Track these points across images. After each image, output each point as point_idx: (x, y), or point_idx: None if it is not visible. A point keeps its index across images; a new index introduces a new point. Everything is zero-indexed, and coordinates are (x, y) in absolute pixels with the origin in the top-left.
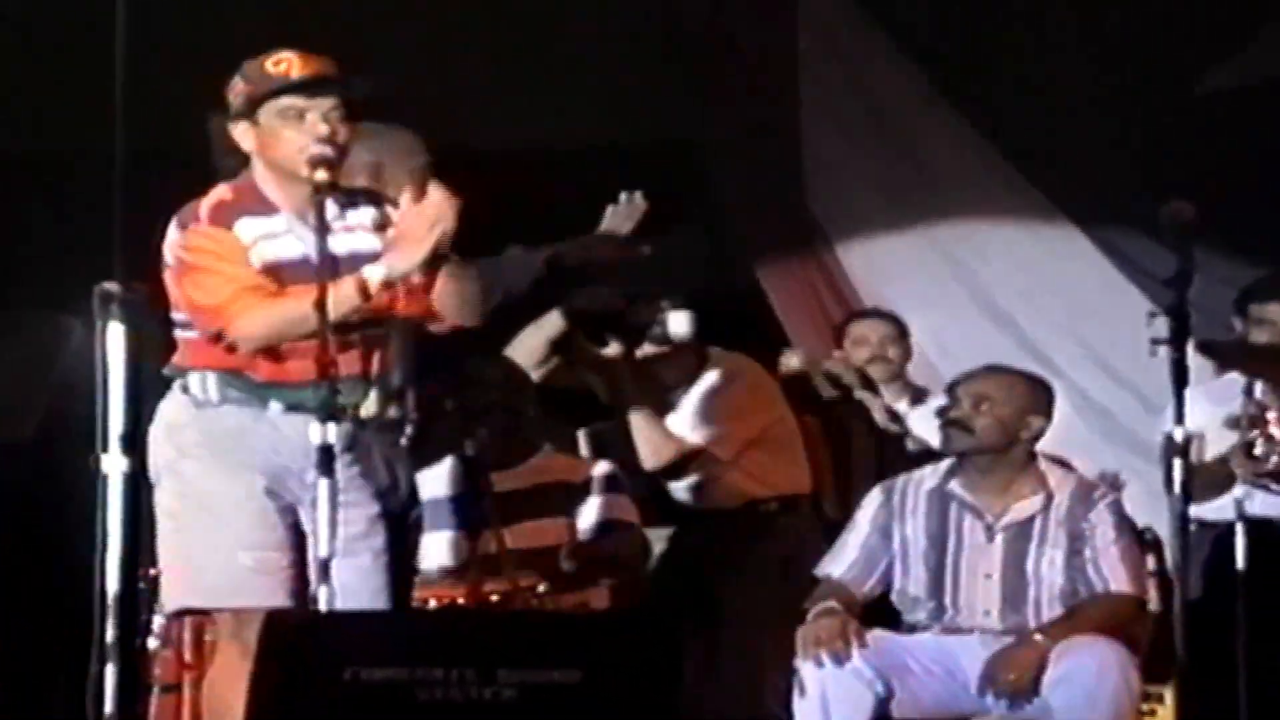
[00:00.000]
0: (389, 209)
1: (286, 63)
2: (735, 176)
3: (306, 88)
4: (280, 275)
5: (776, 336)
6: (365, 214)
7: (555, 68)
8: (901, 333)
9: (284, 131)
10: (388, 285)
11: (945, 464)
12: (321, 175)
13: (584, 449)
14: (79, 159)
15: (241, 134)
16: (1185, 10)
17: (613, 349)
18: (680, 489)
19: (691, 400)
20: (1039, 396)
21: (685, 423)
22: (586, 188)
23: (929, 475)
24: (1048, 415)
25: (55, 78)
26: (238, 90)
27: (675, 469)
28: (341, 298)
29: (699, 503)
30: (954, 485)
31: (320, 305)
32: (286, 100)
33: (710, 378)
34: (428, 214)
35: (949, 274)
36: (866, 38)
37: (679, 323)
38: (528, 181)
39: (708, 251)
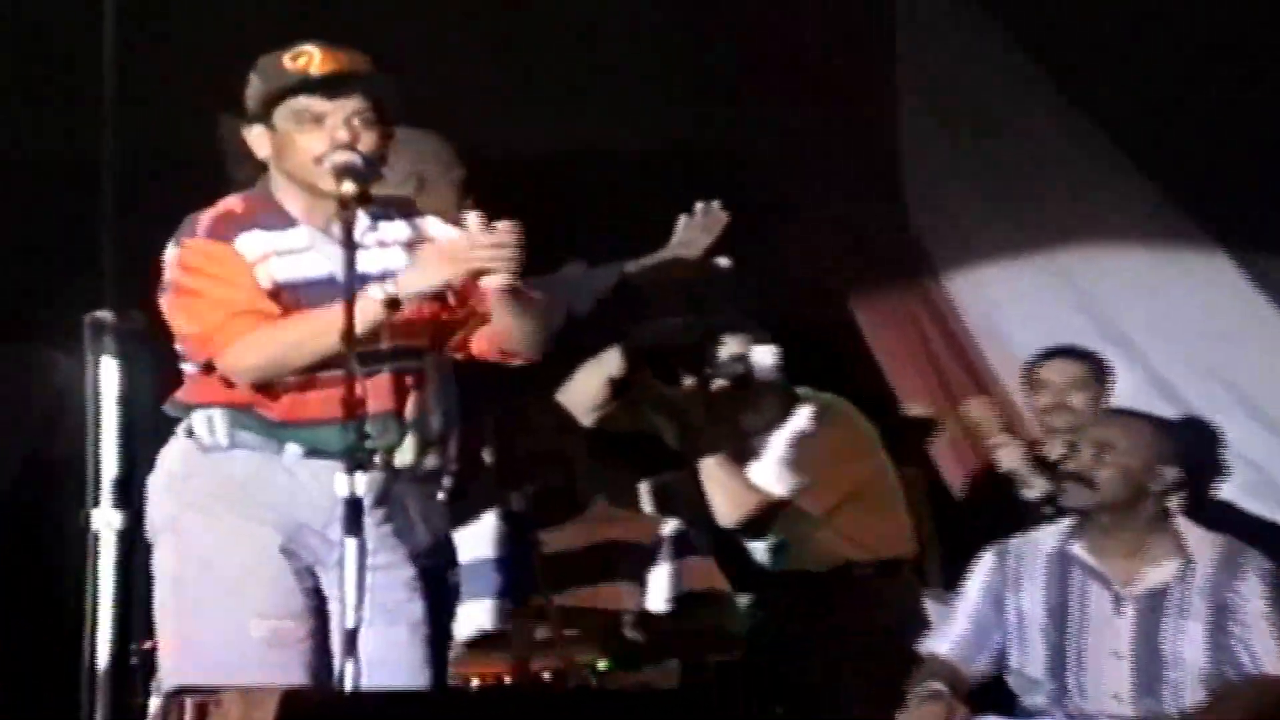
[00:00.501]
0: (426, 222)
1: (306, 57)
2: (825, 193)
3: (325, 86)
4: (298, 296)
5: (869, 374)
6: (399, 228)
7: (623, 69)
8: (1096, 376)
9: (299, 137)
10: (391, 305)
11: (1066, 523)
12: (349, 187)
13: (646, 504)
14: (66, 168)
15: (256, 139)
16: None
17: (686, 387)
18: (761, 549)
19: (777, 447)
20: (1171, 443)
21: (769, 472)
22: (653, 195)
23: (1048, 536)
24: (1183, 465)
25: (40, 80)
26: (253, 88)
27: (757, 525)
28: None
29: (784, 565)
30: (1076, 548)
31: (348, 334)
32: (303, 100)
33: (799, 421)
34: (474, 242)
35: (1070, 301)
36: (975, 28)
37: (763, 358)
38: (585, 189)
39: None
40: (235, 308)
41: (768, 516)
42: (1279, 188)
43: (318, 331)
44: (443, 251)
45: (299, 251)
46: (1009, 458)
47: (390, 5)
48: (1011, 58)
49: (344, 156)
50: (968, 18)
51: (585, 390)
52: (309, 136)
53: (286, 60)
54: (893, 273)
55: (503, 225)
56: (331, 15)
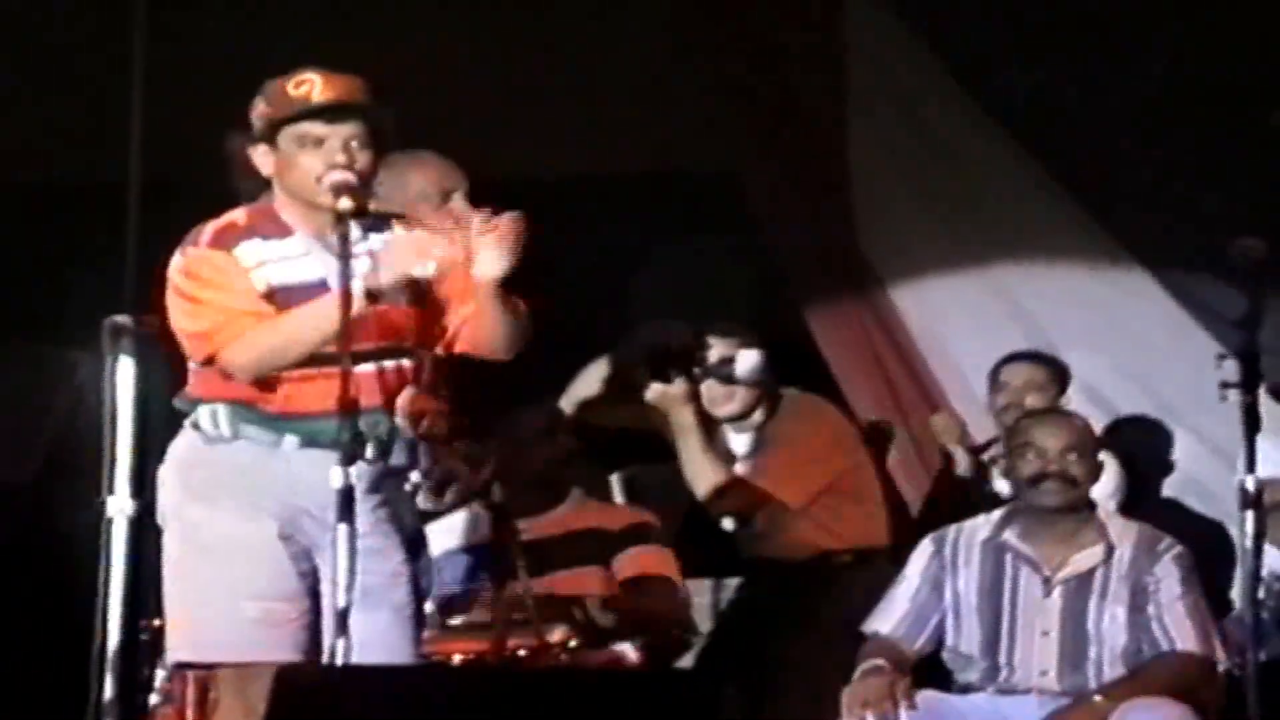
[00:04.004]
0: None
1: (309, 85)
2: (781, 213)
3: (326, 114)
4: (291, 298)
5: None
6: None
7: (594, 96)
8: (1052, 379)
9: (301, 158)
10: (370, 297)
11: (999, 513)
12: (346, 204)
13: (617, 495)
14: (91, 188)
15: (260, 157)
16: (1260, 40)
17: (677, 388)
18: (745, 537)
19: (760, 441)
20: (1095, 440)
21: (752, 465)
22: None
23: (982, 525)
24: (1119, 462)
25: (68, 104)
26: (259, 111)
27: (740, 514)
28: (322, 311)
29: (764, 553)
30: (1009, 536)
31: (344, 334)
32: (305, 125)
33: (781, 419)
34: (425, 237)
35: (1005, 314)
36: (920, 66)
37: (749, 360)
38: (568, 212)
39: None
40: (234, 310)
41: (750, 506)
42: (1198, 210)
43: (306, 326)
44: (410, 242)
45: (295, 258)
46: (964, 464)
47: (396, 30)
48: (952, 91)
49: (339, 175)
50: (914, 55)
51: (590, 389)
52: (310, 157)
53: (290, 87)
54: (842, 287)
55: (506, 216)
56: (347, 39)
